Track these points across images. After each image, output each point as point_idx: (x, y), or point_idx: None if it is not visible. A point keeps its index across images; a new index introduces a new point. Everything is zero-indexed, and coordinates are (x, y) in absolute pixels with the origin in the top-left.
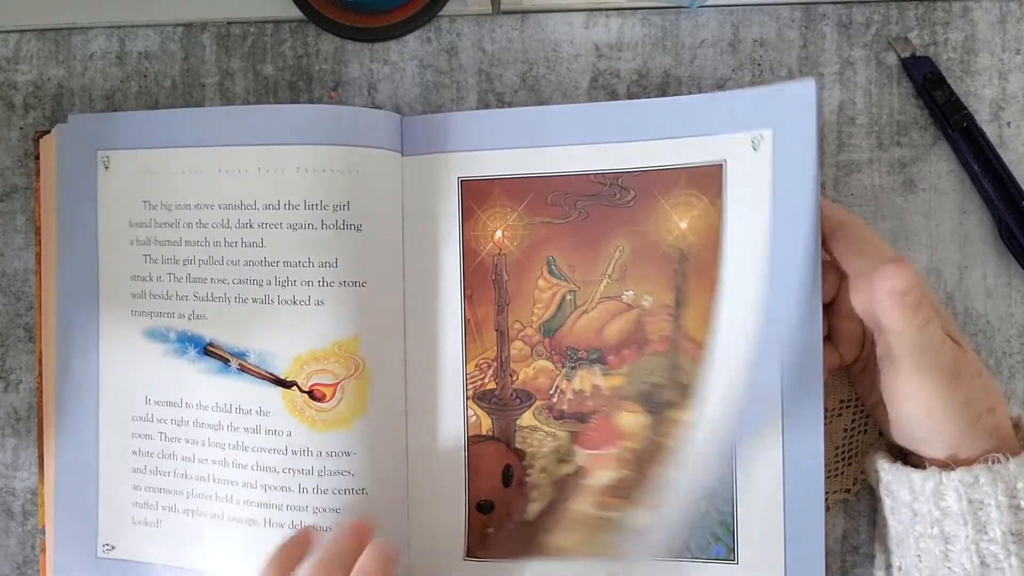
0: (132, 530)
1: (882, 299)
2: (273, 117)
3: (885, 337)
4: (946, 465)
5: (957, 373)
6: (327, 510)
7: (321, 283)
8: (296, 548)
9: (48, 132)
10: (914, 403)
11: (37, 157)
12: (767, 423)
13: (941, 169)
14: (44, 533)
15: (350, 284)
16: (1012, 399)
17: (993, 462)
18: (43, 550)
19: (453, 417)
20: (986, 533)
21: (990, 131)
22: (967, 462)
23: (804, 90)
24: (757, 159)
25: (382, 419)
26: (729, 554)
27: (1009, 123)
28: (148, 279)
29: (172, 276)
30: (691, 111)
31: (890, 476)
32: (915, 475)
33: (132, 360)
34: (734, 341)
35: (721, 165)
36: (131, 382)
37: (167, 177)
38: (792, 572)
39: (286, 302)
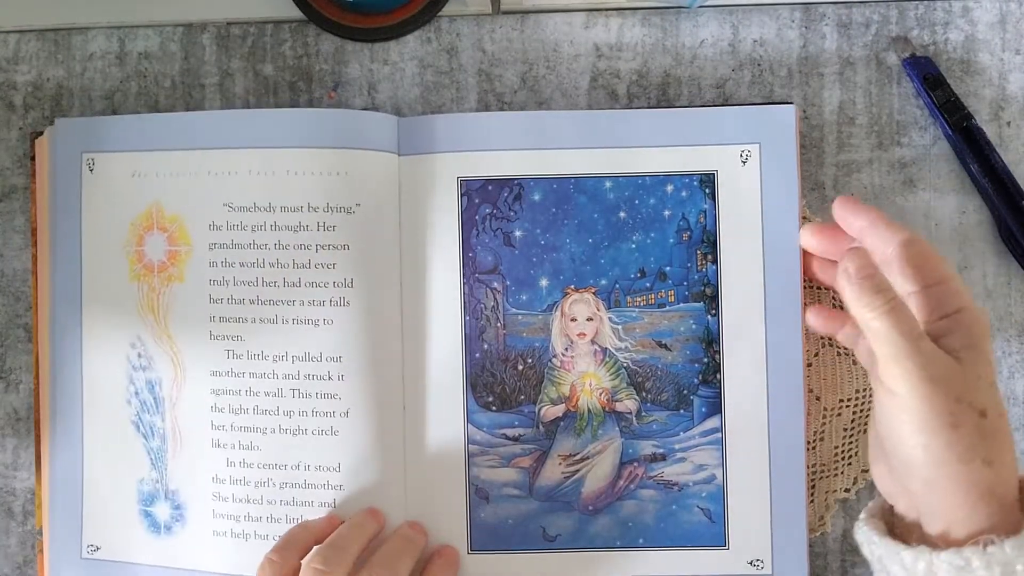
0: (116, 531)
1: (842, 286)
2: (263, 121)
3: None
4: (936, 544)
5: (944, 382)
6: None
7: (321, 285)
8: (317, 530)
9: (43, 133)
10: (890, 414)
11: (33, 158)
12: (754, 401)
13: (941, 169)
14: (41, 534)
15: (347, 285)
16: (1012, 401)
17: (986, 545)
18: (40, 551)
19: (452, 420)
20: None
21: (990, 131)
22: (958, 542)
23: (786, 112)
24: (746, 171)
25: (383, 425)
26: (718, 540)
27: (1009, 123)
28: None
29: None
30: (685, 123)
31: (882, 550)
32: (905, 553)
33: (114, 363)
34: (730, 331)
35: (713, 174)
36: (113, 383)
37: (154, 180)
38: (779, 554)
39: (280, 303)
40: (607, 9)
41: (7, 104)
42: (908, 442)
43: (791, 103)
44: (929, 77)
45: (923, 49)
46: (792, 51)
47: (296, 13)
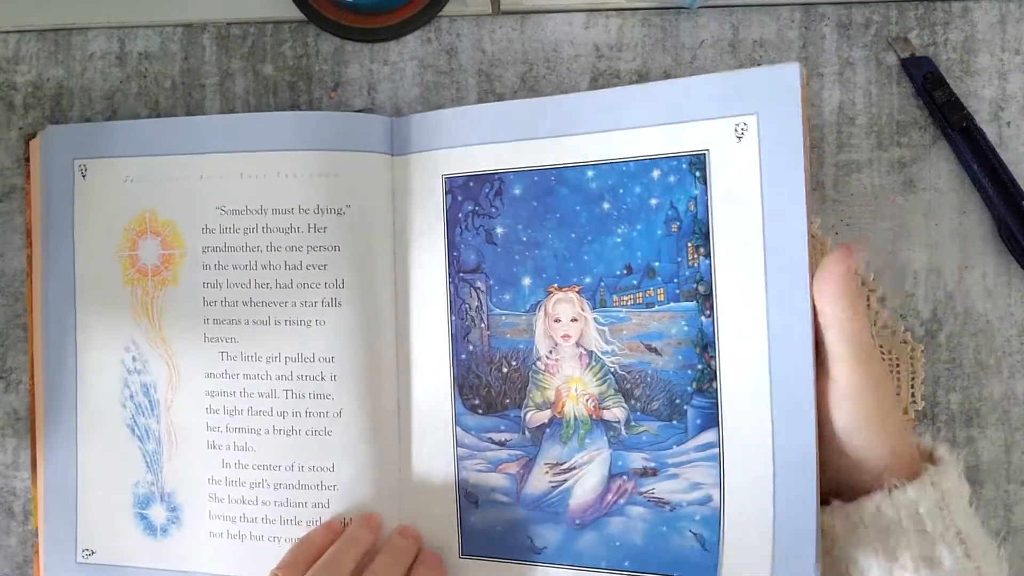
0: (111, 535)
1: (827, 278)
2: (254, 125)
3: (826, 339)
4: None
5: (885, 377)
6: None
7: (312, 286)
8: (319, 542)
9: (36, 135)
10: (851, 404)
11: (28, 159)
12: (756, 415)
13: (941, 169)
14: (37, 535)
15: (338, 286)
16: (1012, 400)
17: (891, 489)
18: (36, 552)
19: (440, 422)
20: (897, 560)
21: (990, 131)
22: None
23: (788, 74)
24: (741, 148)
25: (376, 425)
26: (710, 571)
27: (1009, 123)
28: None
29: None
30: (670, 97)
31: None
32: (824, 511)
33: (108, 366)
34: (727, 334)
35: (704, 155)
36: (108, 386)
37: (146, 185)
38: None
39: (272, 304)
40: (607, 9)
41: (7, 104)
42: (859, 432)
43: (796, 63)
44: (929, 77)
45: (923, 49)
46: (792, 51)
47: (296, 13)
